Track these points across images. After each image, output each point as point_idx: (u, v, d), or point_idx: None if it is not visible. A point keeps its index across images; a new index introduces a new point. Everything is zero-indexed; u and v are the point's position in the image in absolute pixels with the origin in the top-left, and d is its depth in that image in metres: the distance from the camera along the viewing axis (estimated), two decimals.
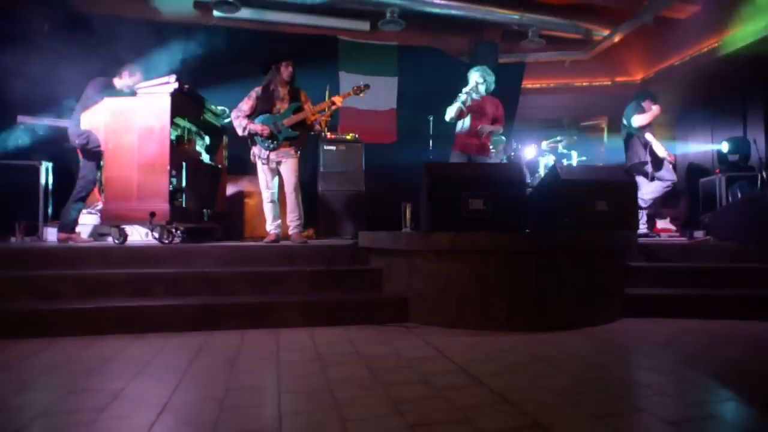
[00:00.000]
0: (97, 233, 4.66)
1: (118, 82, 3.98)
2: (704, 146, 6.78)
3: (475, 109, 4.42)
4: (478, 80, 4.37)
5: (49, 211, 4.84)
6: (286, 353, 2.14)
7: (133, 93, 3.67)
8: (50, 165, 4.88)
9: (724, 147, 5.95)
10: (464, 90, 4.35)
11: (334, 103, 4.03)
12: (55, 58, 4.92)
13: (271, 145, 3.86)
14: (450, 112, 4.41)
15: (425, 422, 1.39)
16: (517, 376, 1.83)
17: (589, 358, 2.09)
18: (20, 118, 4.73)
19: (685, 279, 3.24)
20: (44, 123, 4.72)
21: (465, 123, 4.43)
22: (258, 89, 3.95)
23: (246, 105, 3.90)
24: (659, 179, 4.72)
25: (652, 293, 3.05)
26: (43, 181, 4.76)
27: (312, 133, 4.22)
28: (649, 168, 4.69)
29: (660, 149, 4.70)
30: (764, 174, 5.37)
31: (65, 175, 4.90)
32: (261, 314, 2.66)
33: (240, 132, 3.90)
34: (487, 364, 1.97)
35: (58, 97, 4.64)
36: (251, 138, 3.91)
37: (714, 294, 3.00)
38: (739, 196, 5.35)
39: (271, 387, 1.69)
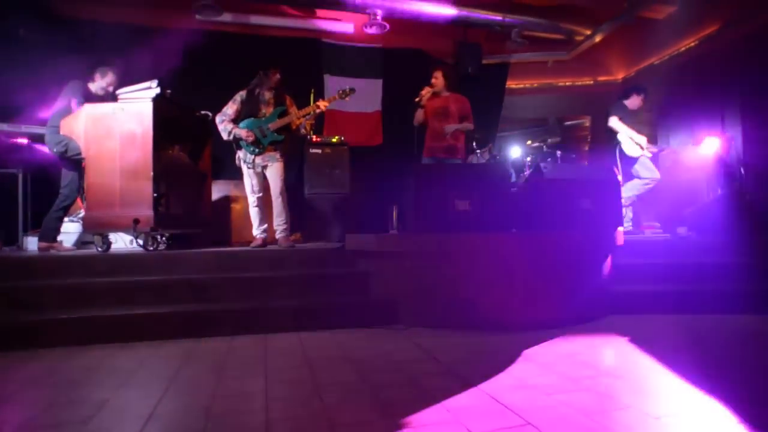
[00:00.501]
0: (80, 242, 4.58)
1: (92, 86, 3.92)
2: (685, 144, 6.90)
3: (438, 111, 4.39)
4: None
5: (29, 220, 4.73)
6: (274, 359, 2.12)
7: (113, 96, 3.62)
8: (29, 173, 4.77)
9: (710, 147, 6.04)
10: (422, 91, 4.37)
11: (319, 107, 4.02)
12: (32, 62, 4.83)
13: (257, 150, 3.83)
14: (415, 117, 4.44)
15: (414, 425, 1.38)
16: (506, 375, 1.84)
17: (576, 355, 2.11)
18: None
19: (669, 275, 3.29)
20: (21, 129, 4.62)
21: (430, 125, 4.42)
22: (243, 93, 3.92)
23: (231, 109, 3.87)
24: (637, 177, 4.73)
25: (637, 290, 3.09)
26: (22, 189, 4.66)
27: (299, 135, 4.21)
28: (617, 168, 4.68)
29: (631, 148, 4.67)
30: (742, 171, 5.48)
31: (45, 184, 4.80)
32: (248, 320, 2.64)
33: (225, 136, 3.87)
34: (476, 365, 1.98)
35: (36, 103, 4.55)
36: (236, 142, 3.88)
37: (698, 289, 3.05)
38: (720, 192, 5.45)
39: (259, 393, 1.67)
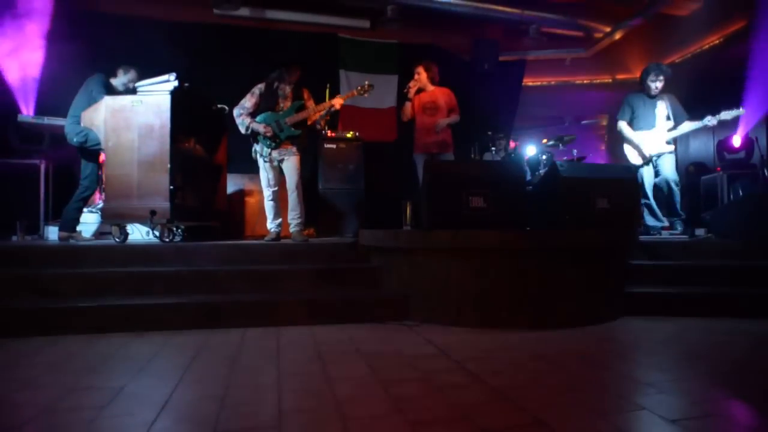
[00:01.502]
0: (98, 232, 4.67)
1: (114, 81, 4.01)
2: (707, 143, 6.76)
3: (428, 106, 4.37)
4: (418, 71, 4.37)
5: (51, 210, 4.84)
6: (286, 351, 2.14)
7: (133, 91, 3.67)
8: (51, 164, 4.88)
9: (736, 141, 5.92)
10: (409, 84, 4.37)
11: (334, 105, 4.00)
12: (55, 55, 4.92)
13: (273, 144, 3.85)
14: (403, 113, 4.43)
15: (425, 420, 1.38)
16: (518, 373, 1.83)
17: (590, 356, 2.09)
18: (21, 117, 4.74)
19: (687, 277, 3.23)
20: (45, 121, 4.72)
21: (421, 121, 4.41)
22: (261, 86, 3.94)
23: (249, 102, 3.89)
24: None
25: (653, 291, 3.04)
26: (43, 179, 4.76)
27: (314, 129, 4.21)
28: None
29: (633, 157, 4.49)
30: (765, 171, 5.35)
31: (66, 174, 4.90)
32: (261, 312, 2.66)
33: (243, 130, 3.89)
34: (488, 362, 1.97)
35: (58, 95, 4.64)
36: (253, 136, 3.90)
37: (716, 292, 2.99)
38: (741, 193, 5.33)
39: (271, 385, 1.69)
